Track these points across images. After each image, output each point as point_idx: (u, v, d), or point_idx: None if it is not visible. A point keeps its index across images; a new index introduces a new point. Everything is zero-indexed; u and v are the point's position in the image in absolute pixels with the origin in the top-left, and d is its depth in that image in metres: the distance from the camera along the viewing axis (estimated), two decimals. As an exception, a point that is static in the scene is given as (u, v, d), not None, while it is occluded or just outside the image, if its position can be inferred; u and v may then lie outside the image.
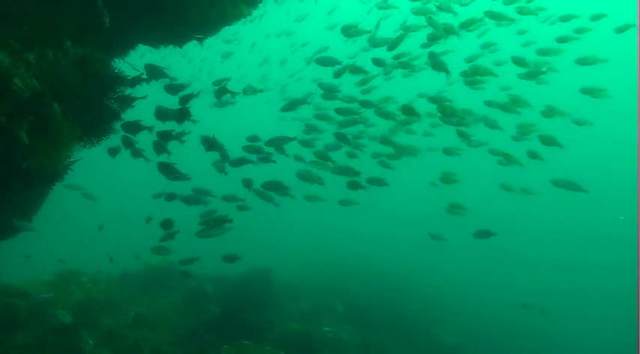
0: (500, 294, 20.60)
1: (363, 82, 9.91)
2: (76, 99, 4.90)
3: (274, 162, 7.61)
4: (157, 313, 10.09)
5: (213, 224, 7.34)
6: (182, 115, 7.08)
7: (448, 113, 8.28)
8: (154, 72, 7.46)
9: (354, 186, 8.32)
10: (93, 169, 7.59)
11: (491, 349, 15.59)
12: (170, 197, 7.79)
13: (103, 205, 10.39)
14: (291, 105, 8.37)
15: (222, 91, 7.27)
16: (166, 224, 7.67)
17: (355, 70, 8.89)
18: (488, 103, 8.88)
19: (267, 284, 12.66)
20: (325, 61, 8.66)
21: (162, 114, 6.78)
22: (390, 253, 21.58)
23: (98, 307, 10.23)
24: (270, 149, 7.81)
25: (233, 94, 7.34)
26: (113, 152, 7.02)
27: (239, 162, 7.34)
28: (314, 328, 11.34)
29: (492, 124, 9.10)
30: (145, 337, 9.19)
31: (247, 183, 7.90)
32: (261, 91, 7.90)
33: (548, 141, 8.35)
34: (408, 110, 8.27)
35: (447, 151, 9.59)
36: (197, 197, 7.83)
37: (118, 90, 5.72)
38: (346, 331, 12.28)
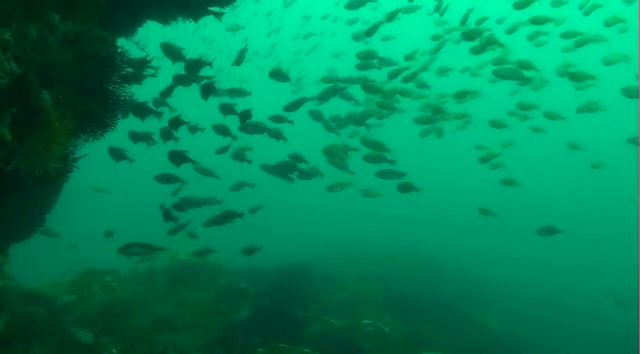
0: (542, 274, 19.60)
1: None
2: (69, 84, 4.10)
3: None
4: (185, 314, 9.39)
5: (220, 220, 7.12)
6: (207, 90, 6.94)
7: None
8: (171, 52, 6.76)
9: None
10: (100, 158, 6.95)
11: (540, 333, 14.65)
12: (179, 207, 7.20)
13: (116, 197, 9.72)
14: (295, 104, 7.88)
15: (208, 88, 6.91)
16: (167, 214, 7.06)
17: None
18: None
19: (306, 278, 11.97)
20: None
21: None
22: (426, 236, 20.67)
23: (122, 309, 9.61)
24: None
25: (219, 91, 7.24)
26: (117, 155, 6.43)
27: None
28: (353, 322, 10.55)
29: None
30: (172, 341, 8.52)
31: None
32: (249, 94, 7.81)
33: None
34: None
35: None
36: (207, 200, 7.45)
37: (123, 72, 4.92)
38: (387, 322, 11.49)
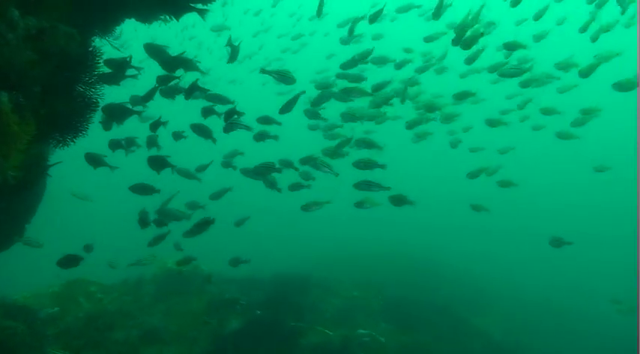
0: (541, 277, 19.30)
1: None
2: (32, 86, 3.75)
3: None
4: (173, 325, 9.02)
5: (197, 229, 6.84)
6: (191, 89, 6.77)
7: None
8: (154, 52, 6.43)
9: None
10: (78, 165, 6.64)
11: (539, 338, 14.32)
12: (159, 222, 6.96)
13: (100, 204, 9.39)
14: (288, 106, 7.46)
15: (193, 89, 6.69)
16: (143, 220, 6.76)
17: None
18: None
19: (300, 285, 11.64)
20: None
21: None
22: (422, 240, 20.33)
23: (108, 321, 9.24)
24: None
25: (203, 90, 6.87)
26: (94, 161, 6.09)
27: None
28: (348, 331, 10.20)
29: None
30: (159, 356, 8.16)
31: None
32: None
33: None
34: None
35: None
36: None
37: (96, 72, 4.57)
38: (383, 330, 11.16)
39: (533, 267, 20.62)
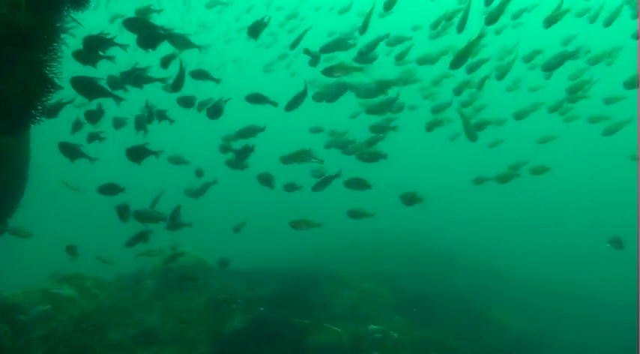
0: (562, 266, 18.52)
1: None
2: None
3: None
4: (171, 324, 8.45)
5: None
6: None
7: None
8: (137, 26, 5.76)
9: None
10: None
11: (562, 329, 13.62)
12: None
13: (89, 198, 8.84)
14: (295, 101, 6.96)
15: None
16: (122, 214, 6.22)
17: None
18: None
19: (308, 278, 11.05)
20: None
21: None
22: (436, 229, 19.55)
23: (103, 319, 8.71)
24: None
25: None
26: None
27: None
28: (359, 327, 9.58)
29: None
30: (155, 359, 7.61)
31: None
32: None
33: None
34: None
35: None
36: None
37: (58, 50, 3.94)
38: (396, 324, 10.53)
39: (551, 256, 19.85)
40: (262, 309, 8.95)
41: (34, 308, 8.50)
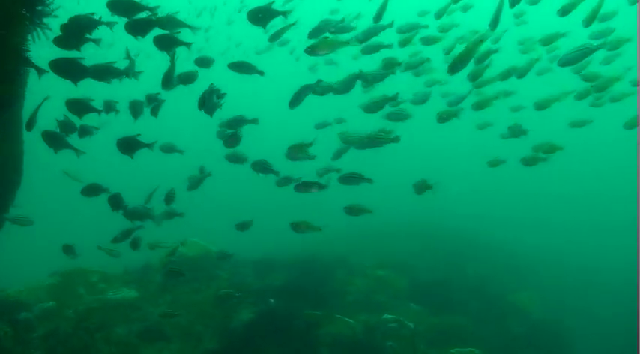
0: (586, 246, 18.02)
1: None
2: None
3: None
4: (177, 318, 8.18)
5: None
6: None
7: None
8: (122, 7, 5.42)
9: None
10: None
11: (585, 315, 13.23)
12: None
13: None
14: (299, 96, 6.48)
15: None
16: (115, 204, 5.97)
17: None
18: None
19: (319, 267, 10.75)
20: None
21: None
22: (448, 209, 19.06)
23: (109, 314, 8.48)
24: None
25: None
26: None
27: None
28: (373, 316, 9.26)
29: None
30: (160, 355, 7.36)
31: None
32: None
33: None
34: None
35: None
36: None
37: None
38: (412, 312, 10.20)
39: (570, 238, 19.32)
40: (272, 300, 8.66)
41: (38, 305, 8.29)
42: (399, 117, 7.81)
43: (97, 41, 4.90)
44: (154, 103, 6.14)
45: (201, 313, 8.49)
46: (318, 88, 6.49)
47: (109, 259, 9.18)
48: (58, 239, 10.42)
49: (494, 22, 6.82)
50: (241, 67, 6.37)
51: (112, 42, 5.78)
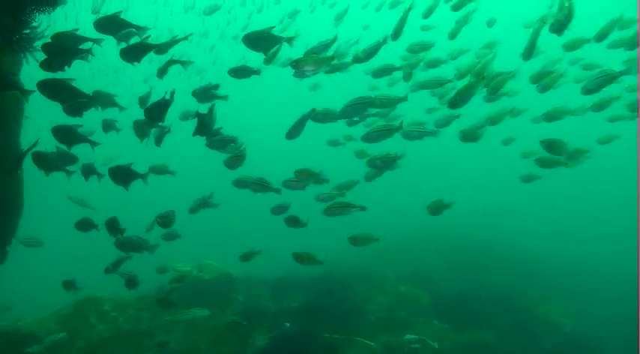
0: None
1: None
2: None
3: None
4: (192, 346, 7.91)
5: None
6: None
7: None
8: (110, 26, 5.20)
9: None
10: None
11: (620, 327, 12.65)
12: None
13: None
14: (297, 128, 6.19)
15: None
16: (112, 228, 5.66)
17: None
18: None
19: (343, 286, 10.41)
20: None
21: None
22: (470, 221, 18.55)
23: (122, 343, 8.24)
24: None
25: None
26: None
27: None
28: (395, 337, 8.90)
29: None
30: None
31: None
32: None
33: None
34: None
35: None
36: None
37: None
38: (435, 330, 9.81)
39: (591, 246, 18.69)
40: (287, 325, 8.34)
41: (48, 337, 8.08)
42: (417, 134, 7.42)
43: (87, 52, 4.65)
44: (161, 132, 5.86)
45: (216, 340, 8.19)
46: (319, 116, 6.14)
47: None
48: (68, 266, 10.26)
49: (528, 52, 6.51)
50: (238, 72, 6.05)
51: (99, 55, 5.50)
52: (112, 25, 4.84)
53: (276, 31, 5.61)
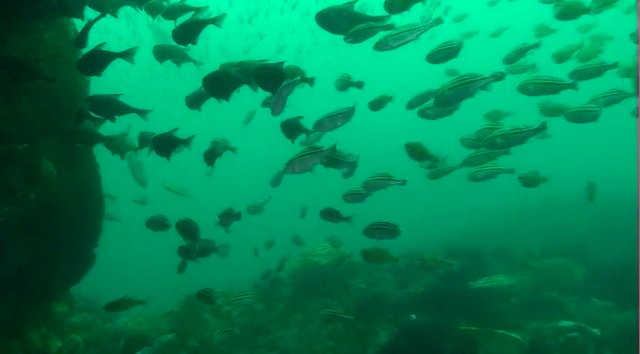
0: None
1: None
2: None
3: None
4: (306, 345, 7.06)
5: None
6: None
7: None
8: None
9: None
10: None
11: None
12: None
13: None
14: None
15: None
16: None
17: None
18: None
19: (473, 262, 9.12)
20: None
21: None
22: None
23: (234, 340, 7.61)
24: None
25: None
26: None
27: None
28: (544, 323, 7.42)
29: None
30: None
31: None
32: None
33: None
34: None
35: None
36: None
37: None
38: (597, 310, 8.19)
39: None
40: (413, 317, 7.18)
41: (157, 339, 7.60)
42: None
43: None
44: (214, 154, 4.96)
45: (332, 335, 7.27)
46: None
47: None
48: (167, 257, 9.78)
49: None
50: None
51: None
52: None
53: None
